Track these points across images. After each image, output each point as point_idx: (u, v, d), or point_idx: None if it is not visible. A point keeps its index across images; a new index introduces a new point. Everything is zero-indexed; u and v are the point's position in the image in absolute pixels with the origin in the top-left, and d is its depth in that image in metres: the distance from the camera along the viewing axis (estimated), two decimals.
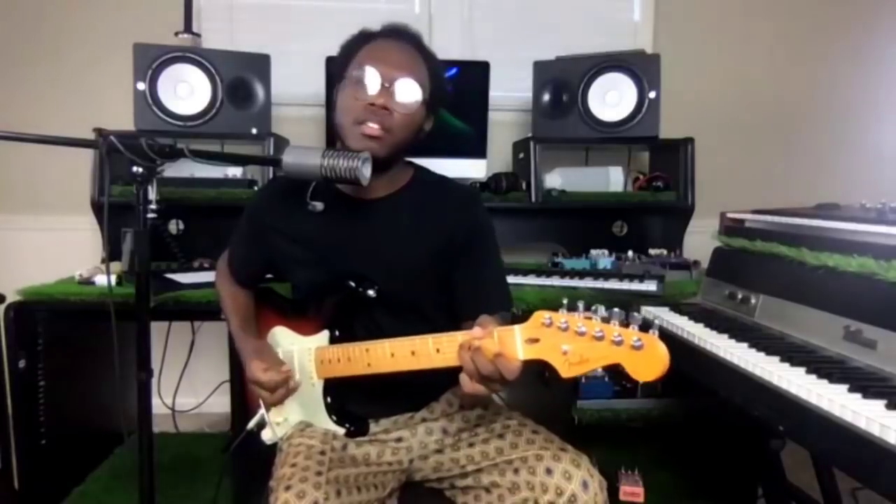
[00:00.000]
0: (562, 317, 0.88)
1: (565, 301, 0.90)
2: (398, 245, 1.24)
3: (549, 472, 1.09)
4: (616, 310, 0.85)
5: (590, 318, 0.86)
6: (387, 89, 1.15)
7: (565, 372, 0.87)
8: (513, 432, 1.19)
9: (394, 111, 1.16)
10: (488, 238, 1.30)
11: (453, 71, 2.24)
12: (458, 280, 1.26)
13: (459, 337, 1.00)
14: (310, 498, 1.03)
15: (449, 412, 1.29)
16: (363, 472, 1.17)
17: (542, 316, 0.90)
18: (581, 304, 0.89)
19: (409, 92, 1.17)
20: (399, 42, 1.21)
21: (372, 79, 1.15)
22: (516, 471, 1.13)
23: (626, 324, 0.84)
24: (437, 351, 1.03)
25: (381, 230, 1.25)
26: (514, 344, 0.92)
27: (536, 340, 0.91)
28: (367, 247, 1.24)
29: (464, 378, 0.96)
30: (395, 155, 1.22)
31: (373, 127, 1.14)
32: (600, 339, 0.84)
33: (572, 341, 0.86)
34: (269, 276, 1.44)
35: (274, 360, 1.26)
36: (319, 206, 1.21)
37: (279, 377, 1.21)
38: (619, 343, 0.82)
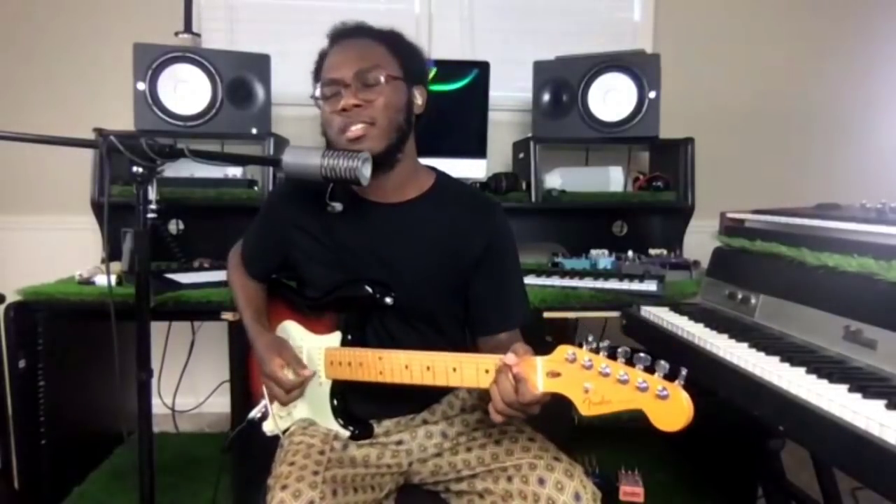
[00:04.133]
0: (586, 354, 0.88)
1: (590, 338, 0.90)
2: (415, 253, 1.23)
3: (541, 481, 1.09)
4: (642, 354, 0.84)
5: (615, 360, 0.86)
6: (348, 87, 1.14)
7: (585, 410, 0.87)
8: (509, 439, 1.19)
9: (365, 102, 1.14)
10: (508, 250, 1.29)
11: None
12: (476, 292, 1.26)
13: (479, 360, 1.01)
14: (305, 497, 1.03)
15: (449, 415, 1.29)
16: (361, 474, 1.17)
17: (565, 351, 0.90)
18: (605, 343, 0.88)
19: (369, 77, 1.15)
20: (345, 41, 1.21)
21: (332, 88, 1.16)
22: (510, 478, 1.13)
23: (651, 369, 0.83)
24: (454, 370, 1.03)
25: (399, 236, 1.23)
26: (535, 375, 0.93)
27: (558, 374, 0.91)
28: (385, 252, 1.23)
29: (491, 409, 0.98)
30: (395, 144, 1.18)
31: (354, 129, 1.14)
32: (624, 382, 0.84)
33: (595, 381, 0.86)
34: (274, 276, 1.44)
35: (293, 358, 1.24)
36: (338, 206, 1.21)
37: (297, 380, 1.19)
38: (643, 390, 0.82)
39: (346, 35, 1.22)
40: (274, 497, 1.04)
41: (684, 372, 0.82)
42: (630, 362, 0.85)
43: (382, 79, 1.15)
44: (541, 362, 0.93)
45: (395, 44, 1.21)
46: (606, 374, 0.85)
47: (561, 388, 0.90)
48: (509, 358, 0.95)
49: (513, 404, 0.95)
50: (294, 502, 1.02)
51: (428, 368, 1.06)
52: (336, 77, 1.15)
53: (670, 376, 0.82)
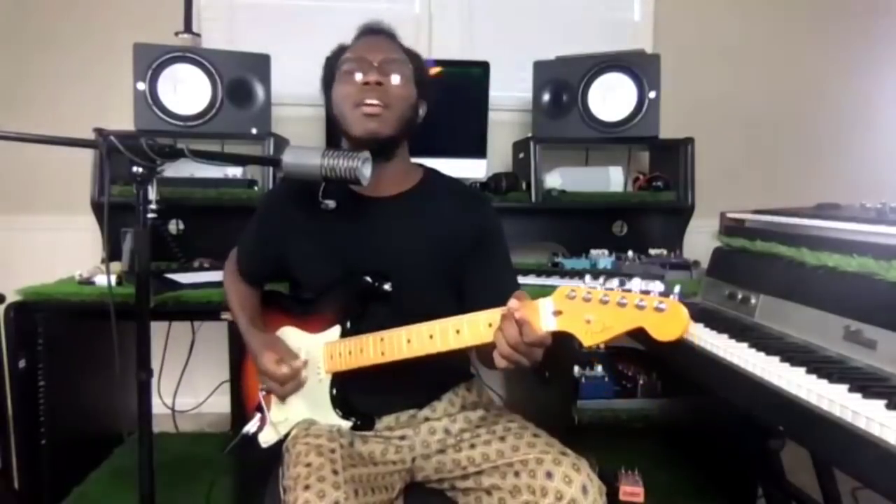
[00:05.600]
0: (584, 289, 0.92)
1: (588, 277, 0.93)
2: (410, 243, 1.26)
3: (549, 475, 1.09)
4: (636, 278, 0.89)
5: (612, 289, 0.90)
6: (375, 68, 1.20)
7: (588, 340, 0.91)
8: (514, 435, 1.20)
9: (388, 85, 1.20)
10: (499, 239, 1.32)
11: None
12: (469, 280, 1.28)
13: (482, 316, 1.03)
14: (330, 498, 1.03)
15: (451, 412, 1.29)
16: (373, 473, 1.18)
17: (566, 289, 0.94)
18: (602, 277, 0.92)
19: (396, 66, 1.22)
20: (377, 36, 1.28)
21: (360, 63, 1.21)
22: (517, 474, 1.13)
23: (646, 292, 0.87)
24: (457, 332, 1.05)
25: (392, 229, 1.26)
26: (538, 315, 0.96)
27: (560, 313, 0.94)
28: (379, 245, 1.26)
29: (496, 355, 1.00)
30: (398, 136, 1.24)
31: (372, 104, 1.18)
32: (623, 305, 0.88)
33: (595, 310, 0.90)
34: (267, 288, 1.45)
35: (286, 351, 1.26)
36: (331, 204, 1.22)
37: (291, 370, 1.22)
38: (641, 308, 0.86)
39: (378, 32, 1.29)
40: (298, 498, 1.04)
41: (678, 288, 0.87)
42: (626, 290, 0.89)
43: (404, 73, 1.23)
44: (544, 302, 0.96)
45: (414, 58, 1.29)
46: (606, 302, 0.89)
47: (563, 325, 0.94)
48: (512, 303, 0.97)
49: (518, 346, 0.96)
50: (320, 502, 1.02)
51: (431, 337, 1.07)
52: (364, 56, 1.21)
53: (665, 294, 0.87)
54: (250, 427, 1.32)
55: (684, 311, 0.85)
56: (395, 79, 1.21)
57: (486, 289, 1.26)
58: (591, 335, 0.91)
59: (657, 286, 0.87)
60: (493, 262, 1.30)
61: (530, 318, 0.95)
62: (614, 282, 0.90)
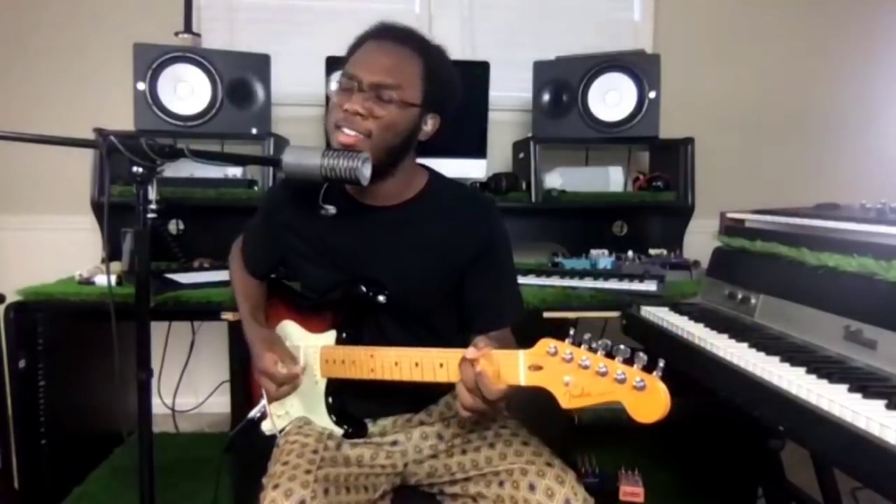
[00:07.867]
0: (567, 347, 0.89)
1: (572, 331, 0.90)
2: (409, 255, 1.23)
3: (531, 487, 1.09)
4: (622, 346, 0.85)
5: (594, 353, 0.86)
6: (363, 94, 1.12)
7: (565, 403, 0.88)
8: (504, 442, 1.19)
9: (369, 114, 1.12)
10: (503, 249, 1.29)
11: None
12: (470, 290, 1.26)
13: (465, 354, 1.01)
14: (296, 496, 1.03)
15: (447, 416, 1.29)
16: (354, 473, 1.17)
17: (547, 344, 0.91)
18: (587, 336, 0.89)
19: (384, 94, 1.12)
20: (387, 42, 1.17)
21: (349, 83, 1.13)
22: (501, 483, 1.13)
23: (630, 361, 0.83)
24: (441, 366, 1.05)
25: (394, 239, 1.23)
26: (517, 368, 0.94)
27: (539, 368, 0.92)
28: (379, 255, 1.23)
29: (461, 390, 1.01)
30: (390, 158, 1.16)
31: (348, 134, 1.12)
32: (603, 374, 0.84)
33: (575, 373, 0.87)
34: (274, 276, 1.45)
35: (285, 354, 1.25)
36: (332, 209, 1.21)
37: (289, 374, 1.21)
38: (621, 381, 0.82)
39: (390, 37, 1.17)
40: (266, 496, 1.05)
41: (661, 363, 0.82)
42: (610, 355, 0.85)
43: (395, 102, 1.13)
44: (523, 356, 0.94)
45: (431, 66, 1.18)
46: (586, 367, 0.86)
47: (542, 382, 0.91)
48: (469, 351, 0.98)
49: (473, 391, 0.98)
50: (285, 501, 1.02)
51: (416, 365, 1.07)
52: (356, 74, 1.13)
53: (649, 368, 0.82)
54: (255, 412, 1.33)
55: (664, 392, 0.80)
56: (385, 106, 1.12)
57: (485, 300, 1.26)
58: (570, 398, 0.87)
59: (642, 358, 0.82)
60: (495, 273, 1.27)
61: (487, 372, 0.95)
62: (600, 344, 0.86)
